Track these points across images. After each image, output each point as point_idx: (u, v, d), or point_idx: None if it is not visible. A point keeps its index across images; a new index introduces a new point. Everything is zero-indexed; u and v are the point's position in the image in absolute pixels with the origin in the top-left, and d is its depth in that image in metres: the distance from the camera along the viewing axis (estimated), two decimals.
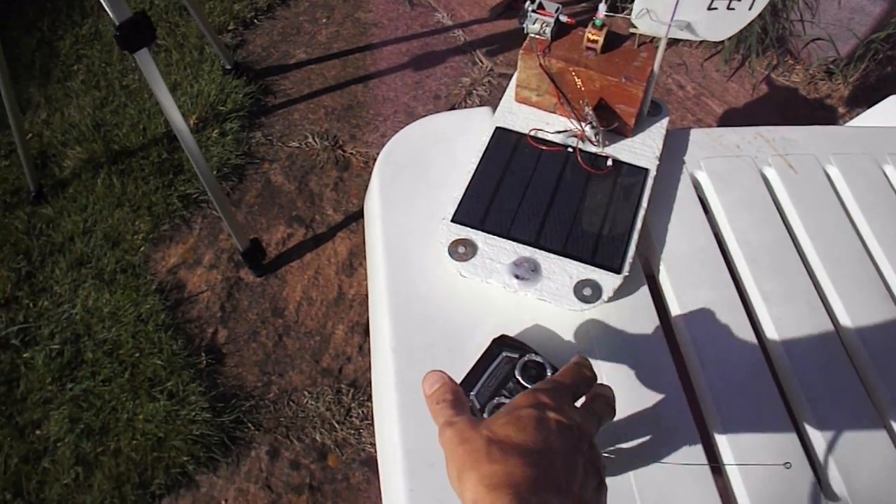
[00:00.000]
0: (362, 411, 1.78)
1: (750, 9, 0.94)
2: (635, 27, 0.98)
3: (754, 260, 1.00)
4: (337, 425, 1.76)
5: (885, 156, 1.18)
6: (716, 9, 0.94)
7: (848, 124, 1.38)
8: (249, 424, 1.75)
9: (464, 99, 2.45)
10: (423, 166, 1.05)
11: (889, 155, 1.18)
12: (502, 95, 1.08)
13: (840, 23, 2.53)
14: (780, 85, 2.67)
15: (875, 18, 2.46)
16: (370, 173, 1.06)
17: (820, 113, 2.58)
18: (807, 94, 2.65)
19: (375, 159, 1.07)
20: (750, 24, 2.53)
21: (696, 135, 1.14)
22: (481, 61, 2.59)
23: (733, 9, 0.94)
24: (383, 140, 2.24)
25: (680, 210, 1.03)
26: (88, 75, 2.43)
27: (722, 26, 0.96)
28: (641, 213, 0.96)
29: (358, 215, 2.10)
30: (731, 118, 2.53)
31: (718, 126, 2.41)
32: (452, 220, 0.93)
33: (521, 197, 0.96)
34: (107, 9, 1.32)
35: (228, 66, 2.39)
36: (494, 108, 1.09)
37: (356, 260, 2.03)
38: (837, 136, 1.20)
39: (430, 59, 2.59)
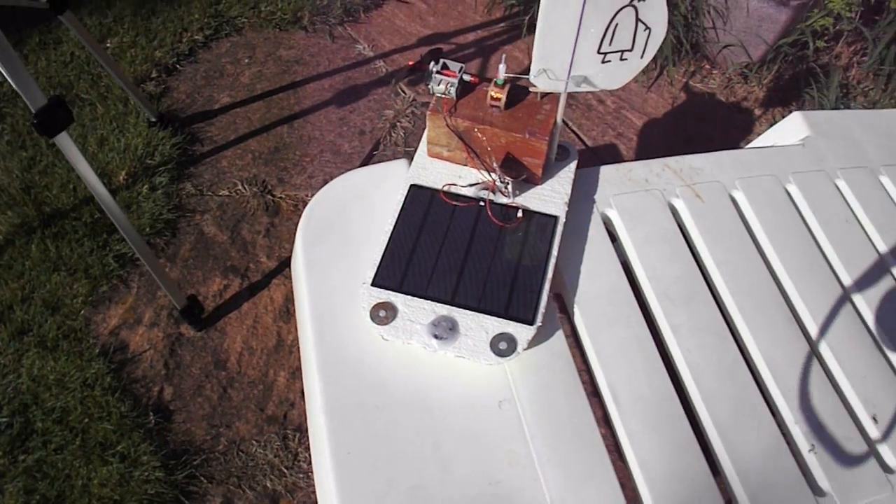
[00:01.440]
0: (309, 455, 1.80)
1: (642, 56, 0.99)
2: (535, 86, 1.03)
3: (664, 294, 1.05)
4: (286, 471, 1.79)
5: (787, 175, 1.23)
6: (609, 61, 0.99)
7: (752, 144, 1.43)
8: (202, 478, 1.77)
9: (388, 132, 2.48)
10: (344, 226, 1.07)
11: (792, 174, 1.23)
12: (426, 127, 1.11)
13: (750, 29, 2.62)
14: (698, 91, 2.74)
15: (781, 25, 2.55)
16: (300, 216, 1.09)
17: (738, 116, 2.66)
18: (724, 98, 2.72)
19: (305, 202, 1.10)
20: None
21: (605, 172, 1.18)
22: (403, 91, 2.62)
23: (626, 59, 0.99)
24: (311, 182, 2.28)
25: (592, 251, 1.07)
26: (14, 135, 2.41)
27: (617, 76, 1.01)
28: (552, 261, 1.00)
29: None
30: (652, 129, 2.59)
31: (638, 138, 2.47)
32: (373, 284, 0.97)
33: (437, 255, 1.00)
34: (23, 97, 1.35)
35: (153, 119, 2.40)
36: (414, 152, 1.13)
37: (292, 306, 2.05)
38: (742, 160, 1.25)
39: (354, 93, 2.63)
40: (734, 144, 2.56)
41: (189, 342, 1.99)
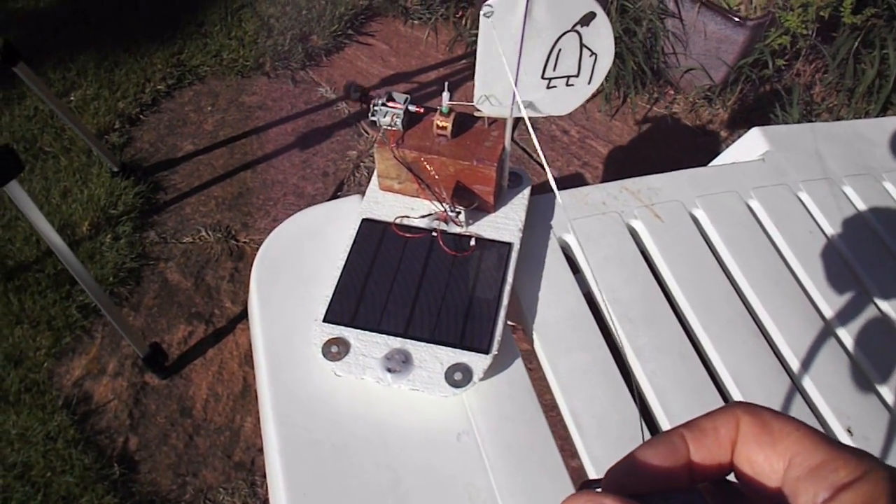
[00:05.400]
0: None
1: (589, 82, 0.97)
2: (480, 111, 1.01)
3: (625, 316, 1.02)
4: None
5: (748, 190, 1.21)
6: (555, 87, 0.97)
7: (713, 163, 1.41)
8: None
9: (352, 173, 2.47)
10: (298, 264, 1.04)
11: (753, 189, 1.21)
12: (375, 160, 1.08)
13: (709, 52, 2.62)
14: (662, 116, 2.74)
15: (739, 46, 2.56)
16: None
17: (703, 139, 2.67)
18: (689, 122, 2.73)
19: None
20: (625, 63, 2.61)
21: (562, 197, 1.16)
22: (366, 132, 2.62)
23: (572, 85, 0.97)
24: (275, 225, 2.17)
25: (549, 277, 1.04)
26: None
27: (563, 102, 0.99)
28: (507, 288, 0.97)
29: None
30: (617, 156, 2.58)
31: (605, 167, 2.47)
32: (324, 320, 0.94)
33: (389, 288, 0.97)
34: None
35: (116, 169, 2.38)
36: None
37: None
38: (701, 177, 1.23)
39: (317, 135, 2.62)
40: (701, 166, 2.53)
41: (154, 391, 1.95)
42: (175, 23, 3.01)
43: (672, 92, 2.86)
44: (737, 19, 2.51)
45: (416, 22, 3.14)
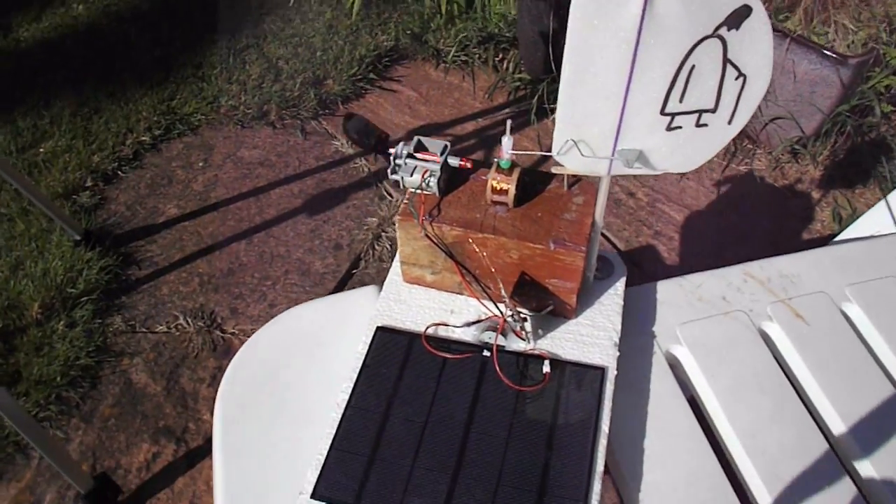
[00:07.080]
0: None
1: (730, 122, 0.70)
2: (560, 165, 0.71)
3: (772, 473, 0.76)
4: None
5: None
6: (679, 127, 0.68)
7: (849, 230, 1.22)
8: None
9: (371, 245, 2.23)
10: (282, 393, 0.78)
11: None
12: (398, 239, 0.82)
13: (801, 97, 2.39)
14: (742, 174, 2.53)
15: (839, 88, 2.31)
16: None
17: (793, 201, 2.44)
18: (774, 181, 2.50)
19: None
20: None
21: (665, 289, 0.91)
22: (390, 194, 2.39)
23: (705, 125, 0.68)
24: (272, 312, 2.00)
25: (657, 415, 0.77)
26: None
27: (690, 151, 0.72)
28: (602, 443, 0.70)
29: None
30: (695, 224, 2.34)
31: (682, 237, 2.26)
32: (314, 496, 0.66)
33: (417, 444, 0.70)
34: None
35: (78, 237, 2.14)
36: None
37: None
38: (848, 258, 1.00)
39: (329, 198, 2.39)
40: (796, 237, 2.32)
41: None
42: (168, 64, 2.85)
43: (751, 145, 2.60)
44: (835, 56, 2.23)
45: (449, 66, 2.94)
